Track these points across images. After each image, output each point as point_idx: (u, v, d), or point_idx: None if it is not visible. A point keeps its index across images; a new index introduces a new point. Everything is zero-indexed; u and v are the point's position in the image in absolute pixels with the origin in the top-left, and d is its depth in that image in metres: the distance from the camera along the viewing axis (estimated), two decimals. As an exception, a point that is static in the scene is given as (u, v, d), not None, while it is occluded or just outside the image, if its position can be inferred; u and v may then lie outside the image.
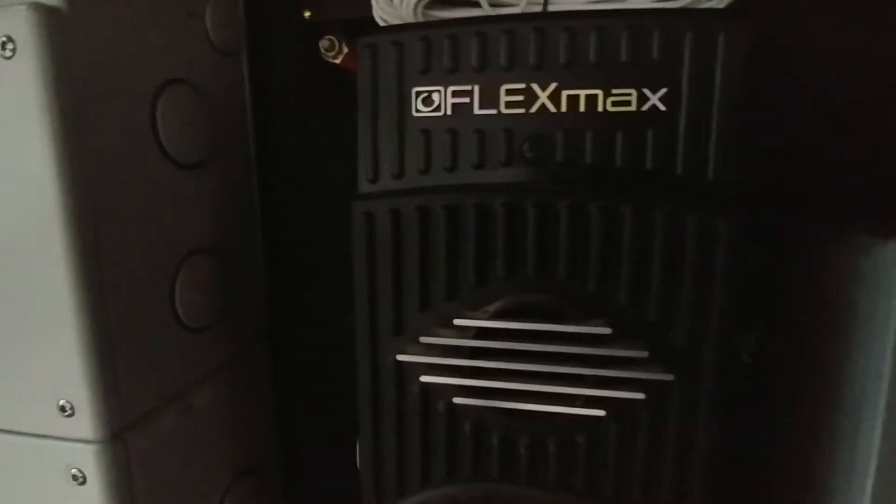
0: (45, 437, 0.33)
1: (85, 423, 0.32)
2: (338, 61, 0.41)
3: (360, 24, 0.40)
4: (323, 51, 0.41)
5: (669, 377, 0.27)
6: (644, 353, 0.27)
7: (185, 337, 0.39)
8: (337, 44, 0.41)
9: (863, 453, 0.28)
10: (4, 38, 0.28)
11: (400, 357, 0.30)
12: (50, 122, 0.29)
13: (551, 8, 0.33)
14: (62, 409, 0.31)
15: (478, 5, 0.34)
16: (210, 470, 0.41)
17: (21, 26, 0.28)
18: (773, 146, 0.39)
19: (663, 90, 0.28)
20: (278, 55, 0.44)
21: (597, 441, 0.29)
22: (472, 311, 0.30)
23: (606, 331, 0.27)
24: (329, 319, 0.47)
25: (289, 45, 0.44)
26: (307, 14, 0.40)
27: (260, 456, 0.47)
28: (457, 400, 0.29)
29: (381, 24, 0.35)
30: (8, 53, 0.28)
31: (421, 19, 0.34)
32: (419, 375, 0.30)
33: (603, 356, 0.28)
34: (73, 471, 0.33)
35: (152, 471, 0.36)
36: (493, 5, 0.34)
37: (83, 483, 0.33)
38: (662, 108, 0.28)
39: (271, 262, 0.47)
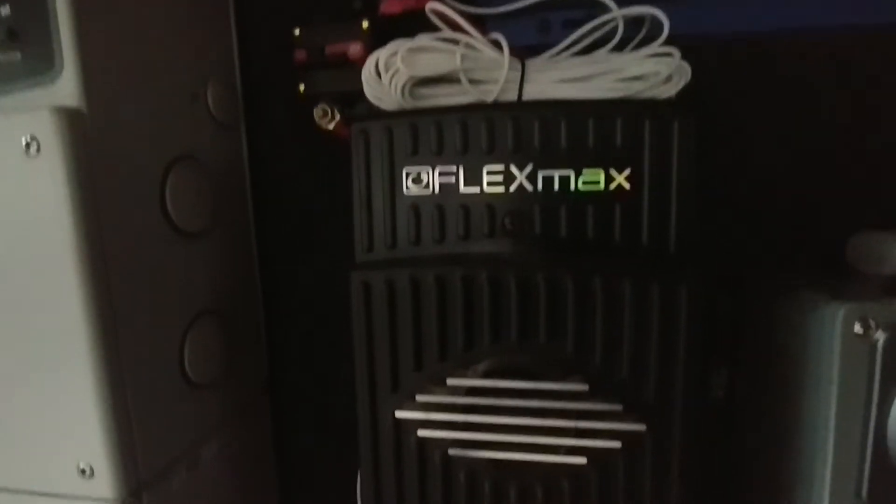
0: (65, 497, 0.35)
1: (104, 485, 0.34)
2: (331, 127, 0.44)
3: (351, 95, 0.43)
4: (317, 119, 0.44)
5: (642, 427, 0.30)
6: (618, 407, 0.30)
7: (194, 393, 0.41)
8: (330, 111, 0.44)
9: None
10: (29, 139, 0.31)
11: (398, 414, 0.33)
12: (71, 211, 0.32)
13: (526, 85, 0.37)
14: (82, 471, 0.34)
15: (459, 83, 0.37)
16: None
17: (45, 128, 0.30)
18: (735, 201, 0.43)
19: (627, 171, 0.31)
20: (274, 125, 0.47)
21: (580, 487, 0.32)
22: (462, 369, 0.32)
23: (584, 387, 0.30)
24: (326, 369, 0.50)
25: (284, 115, 0.47)
26: (302, 88, 0.43)
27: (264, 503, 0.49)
28: (451, 452, 0.32)
29: (372, 101, 0.38)
30: (33, 153, 0.31)
31: (408, 98, 0.37)
32: (416, 430, 0.33)
33: (581, 410, 0.31)
34: (93, 529, 0.35)
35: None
36: (472, 82, 0.37)
37: (102, 540, 0.35)
38: (627, 186, 0.31)
39: (271, 318, 0.49)
